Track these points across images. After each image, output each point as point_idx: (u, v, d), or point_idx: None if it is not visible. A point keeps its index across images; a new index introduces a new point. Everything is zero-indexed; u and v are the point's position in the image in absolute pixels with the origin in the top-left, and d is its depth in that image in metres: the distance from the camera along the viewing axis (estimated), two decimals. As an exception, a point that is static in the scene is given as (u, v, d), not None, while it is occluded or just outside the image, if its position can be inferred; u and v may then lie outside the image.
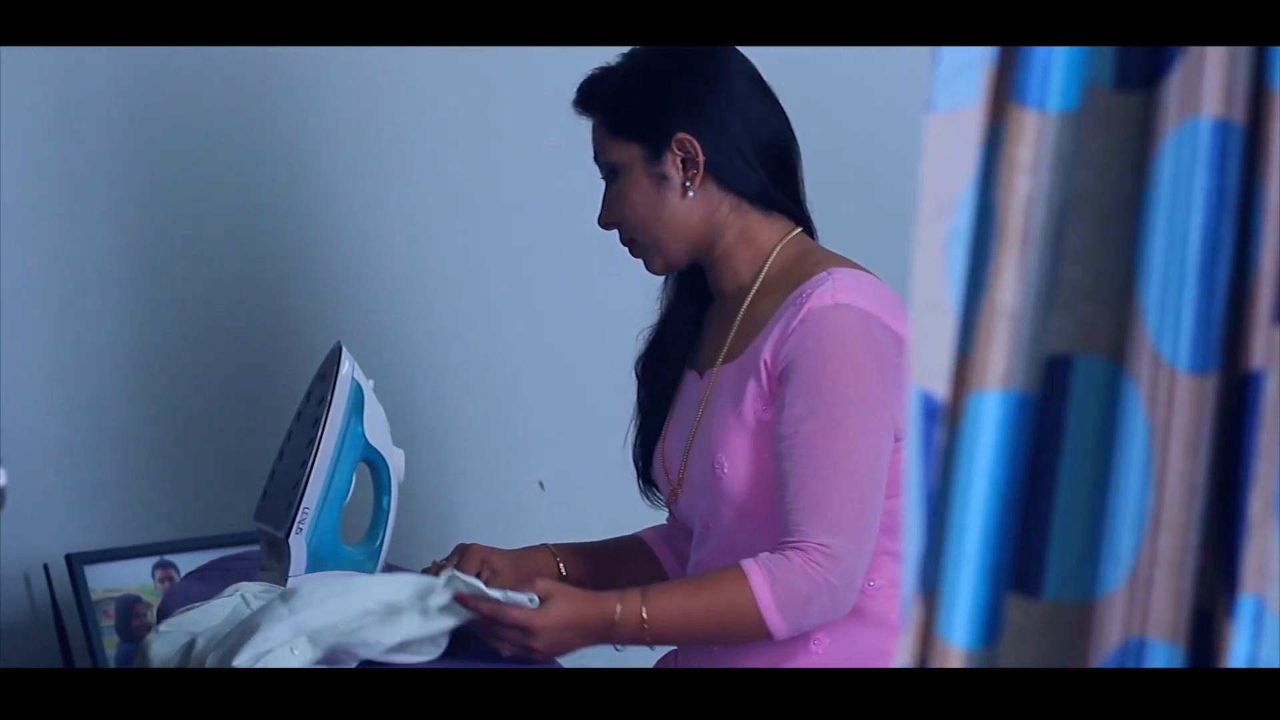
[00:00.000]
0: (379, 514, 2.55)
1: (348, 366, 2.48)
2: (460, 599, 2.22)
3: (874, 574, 2.31)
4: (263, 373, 3.25)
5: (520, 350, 3.41)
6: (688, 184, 2.38)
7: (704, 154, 2.37)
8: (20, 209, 3.09)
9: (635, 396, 2.58)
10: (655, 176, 2.40)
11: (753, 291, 2.40)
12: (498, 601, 2.22)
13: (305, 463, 2.45)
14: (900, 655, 1.31)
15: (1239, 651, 1.30)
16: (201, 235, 3.21)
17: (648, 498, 2.59)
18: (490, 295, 3.39)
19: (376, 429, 2.52)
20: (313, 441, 2.46)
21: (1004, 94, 1.31)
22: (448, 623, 2.23)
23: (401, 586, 2.24)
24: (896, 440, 2.28)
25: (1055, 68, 1.32)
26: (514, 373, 3.41)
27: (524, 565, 2.51)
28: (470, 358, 3.40)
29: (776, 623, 2.25)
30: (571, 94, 2.49)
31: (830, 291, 2.28)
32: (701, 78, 2.39)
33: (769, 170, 2.40)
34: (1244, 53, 1.33)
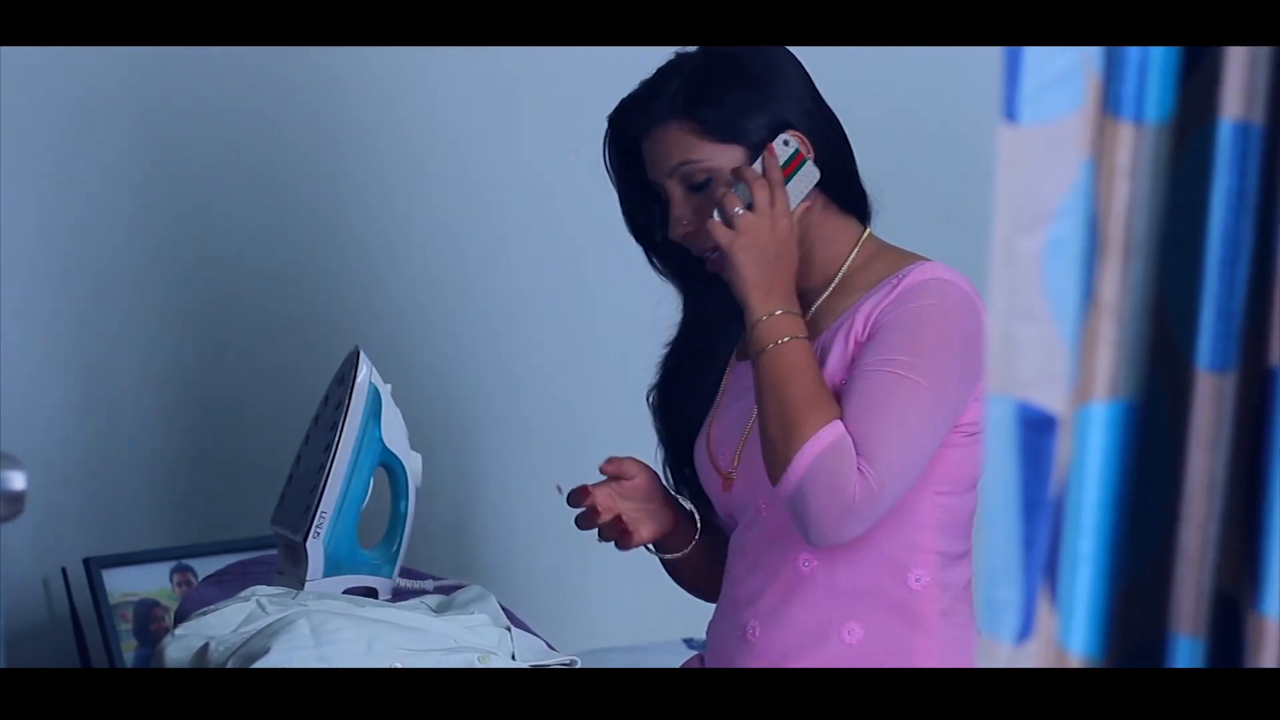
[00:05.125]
0: (396, 518, 2.55)
1: (365, 371, 2.48)
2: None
3: (920, 570, 2.31)
4: (281, 376, 3.25)
5: (538, 355, 3.41)
6: None
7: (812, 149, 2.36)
8: (37, 212, 3.09)
9: (660, 408, 2.57)
10: None
11: (828, 291, 2.40)
12: None
13: (323, 467, 2.46)
14: (1027, 663, 1.31)
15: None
16: (220, 239, 3.22)
17: (680, 495, 2.58)
18: (508, 300, 3.40)
19: (394, 433, 2.52)
20: (330, 445, 2.46)
21: (1102, 105, 1.31)
22: (470, 664, 2.23)
23: (428, 641, 2.24)
24: (952, 431, 2.30)
25: (1150, 77, 1.32)
26: (532, 377, 3.41)
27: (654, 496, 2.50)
28: (488, 362, 3.40)
29: (798, 467, 2.25)
30: (595, 98, 2.47)
31: (931, 269, 2.32)
32: (791, 73, 2.40)
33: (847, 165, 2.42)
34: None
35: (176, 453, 3.21)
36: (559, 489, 3.47)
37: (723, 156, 2.36)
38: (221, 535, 3.17)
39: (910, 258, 2.37)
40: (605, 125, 2.47)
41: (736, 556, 2.44)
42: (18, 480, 1.71)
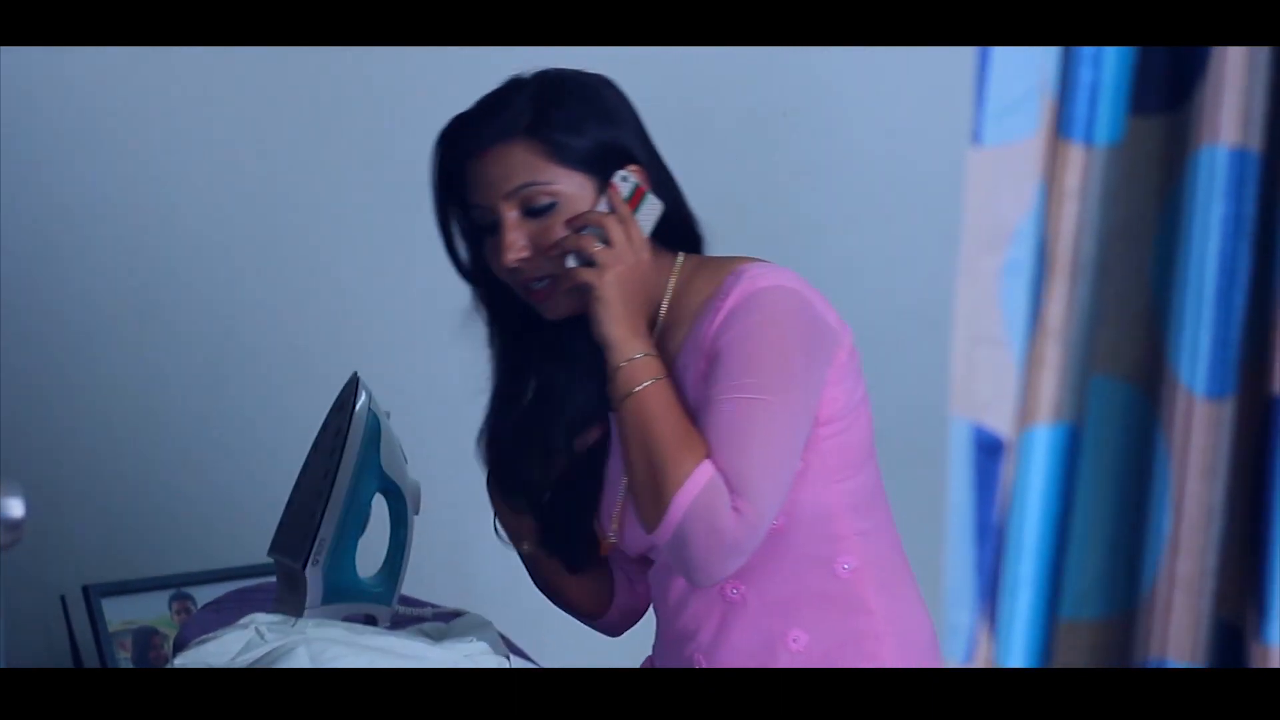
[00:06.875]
0: (395, 545, 2.55)
1: (364, 398, 2.48)
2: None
3: (846, 556, 2.29)
4: (279, 404, 3.25)
5: (537, 382, 3.41)
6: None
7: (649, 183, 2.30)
8: (31, 234, 3.09)
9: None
10: None
11: (659, 326, 2.33)
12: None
13: (322, 494, 2.46)
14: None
15: None
16: (218, 264, 3.22)
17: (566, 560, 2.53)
18: (507, 327, 3.39)
19: (393, 460, 2.52)
20: (329, 473, 2.46)
21: (1055, 128, 1.32)
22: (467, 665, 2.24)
23: (433, 658, 2.25)
24: (823, 425, 2.27)
25: (1102, 101, 1.33)
26: (531, 405, 3.40)
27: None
28: (487, 389, 3.39)
29: (674, 514, 2.20)
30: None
31: (750, 280, 2.25)
32: (627, 104, 2.34)
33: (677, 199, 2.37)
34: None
35: (175, 481, 3.21)
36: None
37: (569, 182, 2.27)
38: (221, 563, 3.17)
39: (726, 265, 2.30)
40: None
41: (661, 593, 2.41)
42: (16, 507, 1.72)
